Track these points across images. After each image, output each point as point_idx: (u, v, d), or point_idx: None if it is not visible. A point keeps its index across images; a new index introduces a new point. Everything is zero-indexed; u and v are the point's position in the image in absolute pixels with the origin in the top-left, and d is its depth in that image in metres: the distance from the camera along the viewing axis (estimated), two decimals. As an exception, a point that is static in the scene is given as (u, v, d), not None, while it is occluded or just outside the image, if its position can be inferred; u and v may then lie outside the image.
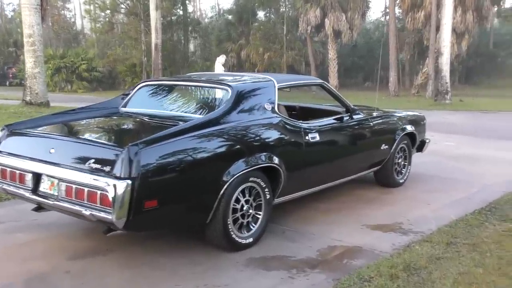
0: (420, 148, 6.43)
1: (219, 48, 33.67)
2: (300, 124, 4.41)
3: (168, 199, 3.32)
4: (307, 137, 4.37)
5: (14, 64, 33.54)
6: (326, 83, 5.05)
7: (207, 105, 4.12)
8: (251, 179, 3.83)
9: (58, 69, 28.98)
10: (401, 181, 5.96)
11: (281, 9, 34.26)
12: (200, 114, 4.08)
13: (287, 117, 4.36)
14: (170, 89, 4.68)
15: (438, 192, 5.75)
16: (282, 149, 4.12)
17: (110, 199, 3.04)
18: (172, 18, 33.31)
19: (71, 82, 29.37)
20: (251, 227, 3.95)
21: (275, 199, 4.22)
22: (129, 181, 3.05)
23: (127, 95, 4.73)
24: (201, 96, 4.41)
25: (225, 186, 3.58)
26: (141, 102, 4.62)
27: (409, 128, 5.94)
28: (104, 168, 3.17)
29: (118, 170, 3.11)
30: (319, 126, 4.63)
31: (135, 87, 4.78)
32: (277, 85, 4.39)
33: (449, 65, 20.94)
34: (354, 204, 5.21)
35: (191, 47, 38.39)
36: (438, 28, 21.25)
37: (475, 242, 4.07)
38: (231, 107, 3.93)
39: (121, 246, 3.90)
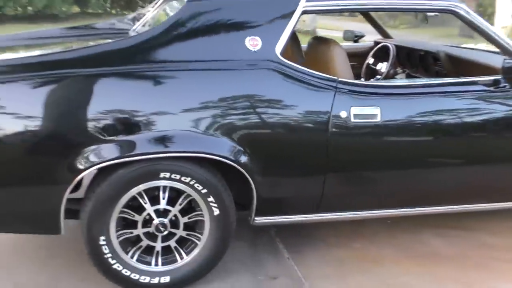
0: None
1: None
2: (333, 82, 2.19)
3: None
4: (342, 112, 2.15)
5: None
6: (464, 7, 2.44)
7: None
8: (162, 175, 2.03)
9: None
10: None
11: None
12: None
13: (305, 69, 2.18)
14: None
15: None
16: (260, 129, 2.10)
17: None
18: None
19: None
20: (179, 258, 2.19)
21: (256, 218, 2.27)
22: None
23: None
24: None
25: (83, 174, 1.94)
26: None
27: None
28: None
29: None
30: (398, 86, 2.32)
31: None
32: (303, 4, 2.23)
33: None
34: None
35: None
36: None
37: None
38: (162, 32, 2.11)
39: None
